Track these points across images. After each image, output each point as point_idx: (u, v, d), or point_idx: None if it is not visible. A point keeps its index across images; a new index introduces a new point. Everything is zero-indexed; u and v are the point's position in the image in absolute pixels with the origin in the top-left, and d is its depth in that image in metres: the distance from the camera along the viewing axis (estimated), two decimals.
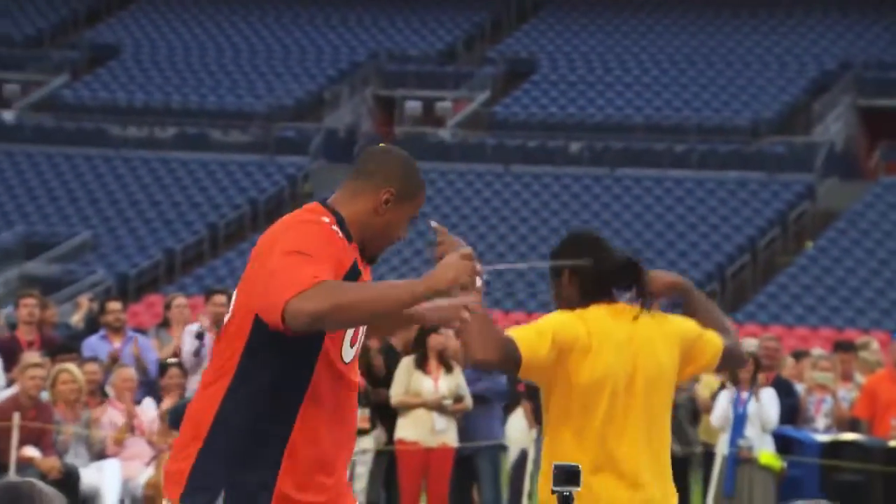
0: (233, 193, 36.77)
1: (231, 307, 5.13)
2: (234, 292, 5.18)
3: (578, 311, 5.83)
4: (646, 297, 5.90)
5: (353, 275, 4.99)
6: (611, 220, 34.77)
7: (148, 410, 13.09)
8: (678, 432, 12.62)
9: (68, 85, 40.93)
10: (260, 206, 36.37)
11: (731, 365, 6.31)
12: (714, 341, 6.01)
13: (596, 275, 5.86)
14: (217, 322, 14.29)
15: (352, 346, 5.08)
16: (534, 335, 5.75)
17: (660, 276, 6.10)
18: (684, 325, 6.00)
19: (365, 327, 5.12)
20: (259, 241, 5.22)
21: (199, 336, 14.19)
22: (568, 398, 5.76)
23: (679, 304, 6.20)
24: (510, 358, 5.69)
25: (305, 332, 4.83)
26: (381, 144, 5.34)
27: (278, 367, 4.95)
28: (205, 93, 40.06)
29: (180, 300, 15.40)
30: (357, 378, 5.17)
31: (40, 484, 3.67)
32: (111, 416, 12.89)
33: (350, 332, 5.05)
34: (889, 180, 35.64)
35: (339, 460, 5.08)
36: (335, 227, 5.05)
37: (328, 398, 5.00)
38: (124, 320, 14.94)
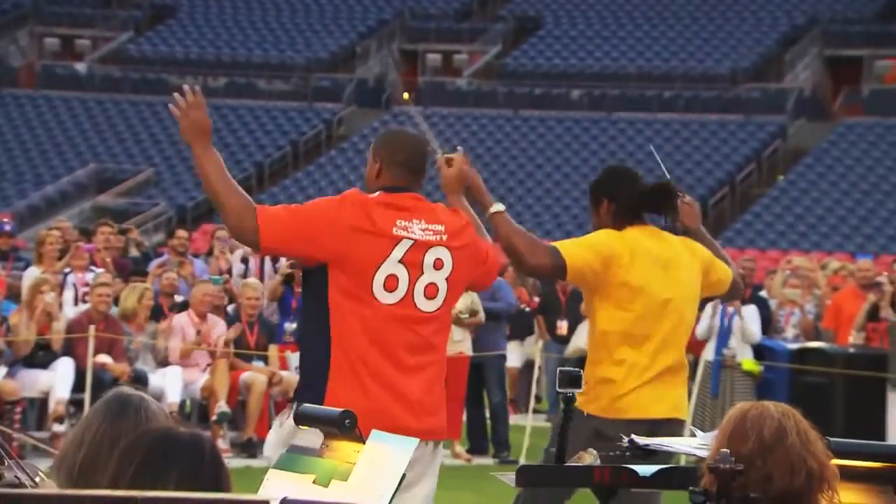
0: (276, 136, 36.71)
1: None
2: None
3: (617, 232, 5.83)
4: (673, 218, 5.93)
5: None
6: (607, 158, 34.64)
7: (215, 326, 12.98)
8: None
9: (132, 40, 40.82)
10: (300, 147, 36.34)
11: (735, 294, 6.33)
12: (726, 270, 6.04)
13: (628, 202, 5.85)
14: None
15: (388, 290, 5.19)
16: (576, 246, 5.78)
17: (690, 214, 6.17)
18: (703, 249, 6.02)
19: (409, 281, 5.25)
20: None
21: (244, 261, 14.19)
22: (613, 306, 5.76)
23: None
24: (557, 264, 5.71)
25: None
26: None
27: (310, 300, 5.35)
28: (251, 47, 39.91)
29: (221, 232, 15.33)
30: (417, 313, 5.26)
31: (149, 398, 3.50)
32: (182, 323, 12.81)
33: (381, 277, 5.18)
34: (851, 121, 35.46)
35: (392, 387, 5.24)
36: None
37: (367, 331, 5.18)
38: (188, 246, 14.94)
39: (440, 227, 5.31)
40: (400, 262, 5.22)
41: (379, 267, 5.20)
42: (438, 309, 5.29)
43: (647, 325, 5.77)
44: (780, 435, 3.05)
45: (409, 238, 5.23)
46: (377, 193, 5.31)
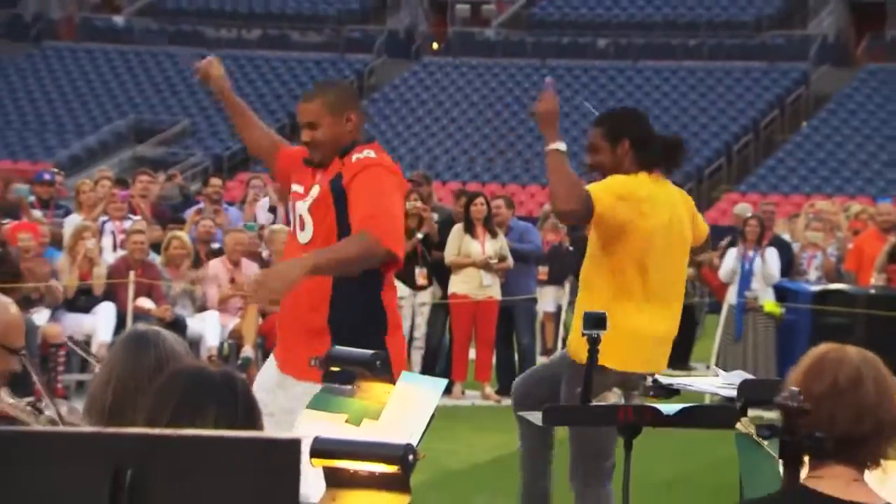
0: (309, 87, 36.62)
1: None
2: None
3: (637, 178, 5.81)
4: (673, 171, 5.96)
5: None
6: (633, 106, 34.50)
7: (247, 268, 12.98)
8: None
9: None
10: None
11: (704, 250, 6.47)
12: (704, 225, 6.08)
13: (653, 149, 5.83)
14: (282, 196, 14.25)
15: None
16: (605, 192, 5.73)
17: None
18: (691, 200, 6.06)
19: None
20: None
21: (272, 210, 14.16)
22: (625, 250, 5.73)
23: None
24: (587, 208, 5.67)
25: None
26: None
27: None
28: None
29: (256, 181, 15.30)
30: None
31: (165, 332, 3.53)
32: (217, 270, 12.81)
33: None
34: (874, 67, 35.17)
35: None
36: None
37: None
38: (222, 194, 14.98)
39: None
40: None
41: None
42: None
43: (651, 271, 5.76)
44: (856, 381, 3.01)
45: None
46: (364, 146, 5.36)
